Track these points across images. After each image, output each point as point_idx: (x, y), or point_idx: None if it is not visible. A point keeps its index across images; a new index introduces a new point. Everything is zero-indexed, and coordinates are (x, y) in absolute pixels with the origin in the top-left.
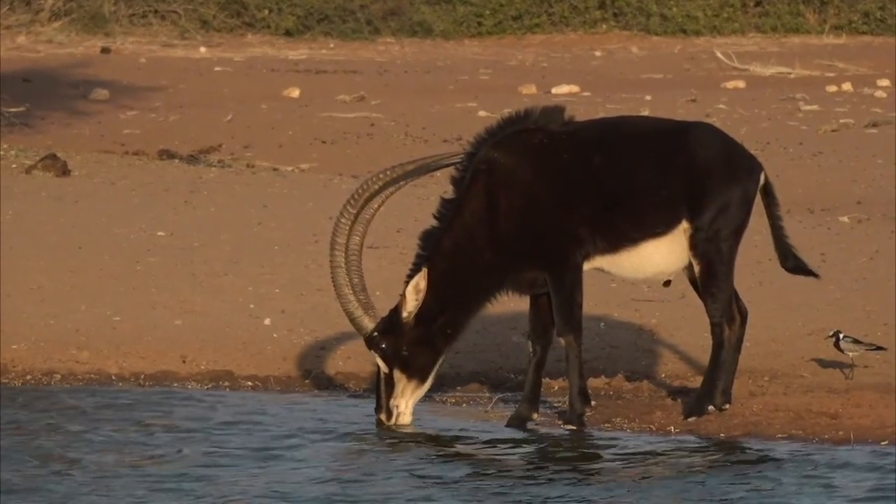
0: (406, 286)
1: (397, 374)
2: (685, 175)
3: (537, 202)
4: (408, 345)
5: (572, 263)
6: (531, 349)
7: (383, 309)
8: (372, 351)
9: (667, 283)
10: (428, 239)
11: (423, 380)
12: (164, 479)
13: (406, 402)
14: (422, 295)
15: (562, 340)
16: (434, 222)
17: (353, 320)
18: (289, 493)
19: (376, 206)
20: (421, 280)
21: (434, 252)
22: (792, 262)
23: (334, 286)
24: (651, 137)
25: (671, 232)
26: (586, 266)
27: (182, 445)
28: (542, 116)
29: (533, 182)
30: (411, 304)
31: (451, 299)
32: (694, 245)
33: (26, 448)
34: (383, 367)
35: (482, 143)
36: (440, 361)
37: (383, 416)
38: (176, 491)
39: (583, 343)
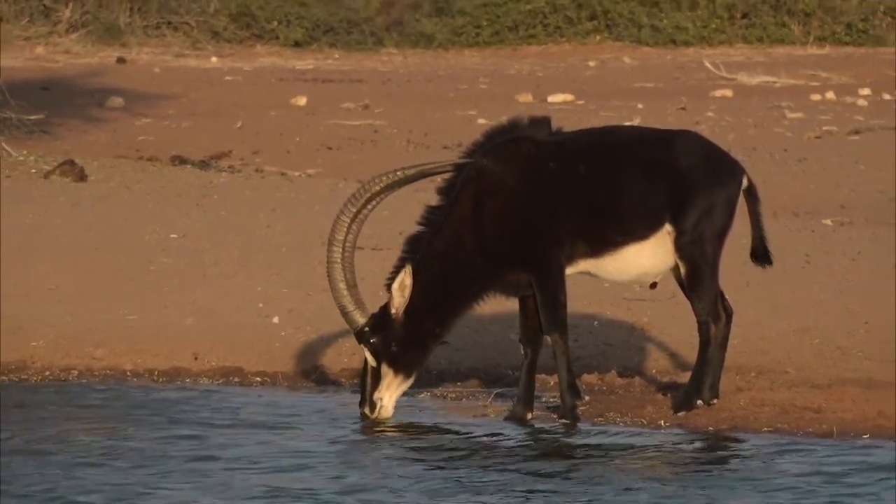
0: (389, 287)
1: (385, 368)
2: (670, 181)
3: (524, 208)
4: (397, 341)
5: (556, 266)
6: (523, 351)
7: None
8: (362, 345)
9: (653, 285)
10: (414, 243)
11: (408, 375)
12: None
13: (390, 396)
14: (408, 292)
15: (549, 339)
16: (419, 228)
17: (344, 314)
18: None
19: (371, 207)
20: (406, 277)
21: (424, 255)
22: (759, 254)
23: (330, 281)
24: (636, 146)
25: (654, 235)
26: (572, 270)
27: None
28: (529, 126)
29: (520, 189)
30: (398, 302)
31: (441, 300)
32: (679, 248)
33: (64, 442)
34: (371, 362)
35: (472, 153)
36: (426, 358)
37: (367, 410)
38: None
39: (577, 340)
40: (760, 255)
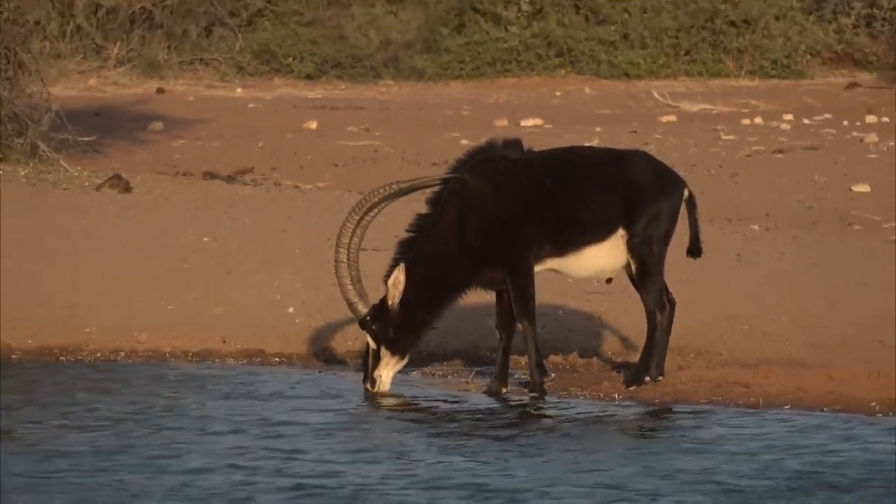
0: (387, 282)
1: (384, 350)
2: (623, 192)
3: (500, 216)
4: (394, 328)
5: (526, 264)
6: (499, 336)
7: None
8: (364, 331)
9: (608, 281)
10: (406, 245)
11: (403, 356)
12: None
13: (388, 374)
14: (401, 286)
15: (520, 326)
16: (411, 232)
17: (350, 306)
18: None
19: (372, 214)
20: (399, 275)
21: (416, 255)
22: (694, 250)
23: (337, 277)
24: (595, 163)
25: (610, 238)
26: (540, 267)
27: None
28: (504, 147)
29: (497, 200)
30: (393, 295)
31: (430, 293)
32: (630, 248)
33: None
34: (372, 345)
35: (456, 169)
36: (419, 341)
37: (368, 385)
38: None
39: (545, 327)
40: (694, 250)
